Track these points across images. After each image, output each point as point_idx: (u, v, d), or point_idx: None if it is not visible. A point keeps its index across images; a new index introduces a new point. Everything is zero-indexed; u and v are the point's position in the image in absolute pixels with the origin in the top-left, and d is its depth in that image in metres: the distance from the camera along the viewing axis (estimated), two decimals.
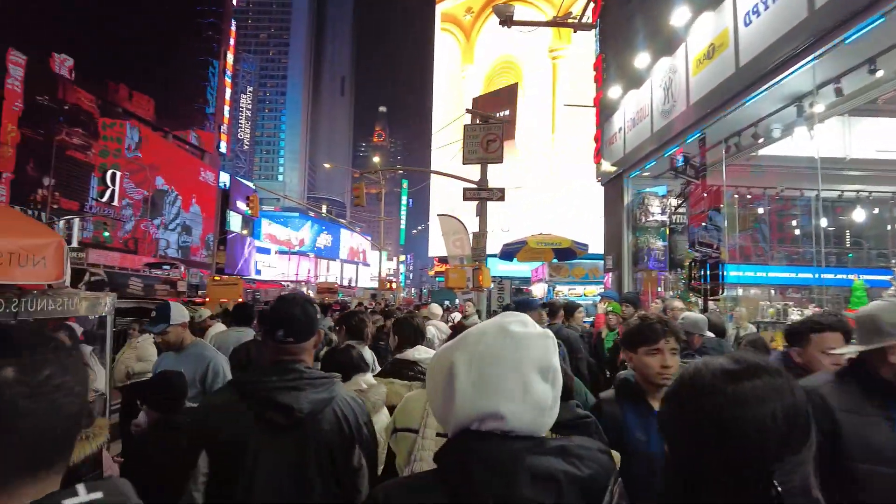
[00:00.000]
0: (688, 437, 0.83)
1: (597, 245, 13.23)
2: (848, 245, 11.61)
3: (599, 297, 9.02)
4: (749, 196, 11.05)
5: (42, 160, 28.91)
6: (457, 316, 8.14)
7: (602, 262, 12.63)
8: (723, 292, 8.08)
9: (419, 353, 3.13)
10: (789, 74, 5.81)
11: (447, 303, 19.79)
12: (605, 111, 12.09)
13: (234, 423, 1.63)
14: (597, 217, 13.80)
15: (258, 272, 53.54)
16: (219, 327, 6.77)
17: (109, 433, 4.38)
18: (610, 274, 11.47)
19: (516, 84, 28.47)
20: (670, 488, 0.88)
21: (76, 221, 24.43)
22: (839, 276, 9.94)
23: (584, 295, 15.11)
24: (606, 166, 12.04)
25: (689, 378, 0.87)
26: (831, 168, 8.79)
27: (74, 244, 24.07)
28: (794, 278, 10.93)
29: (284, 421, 1.62)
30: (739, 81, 6.52)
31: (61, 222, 24.01)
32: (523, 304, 4.76)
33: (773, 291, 10.96)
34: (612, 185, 11.81)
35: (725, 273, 8.02)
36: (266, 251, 58.54)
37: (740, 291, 10.43)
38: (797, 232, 11.74)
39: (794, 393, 0.81)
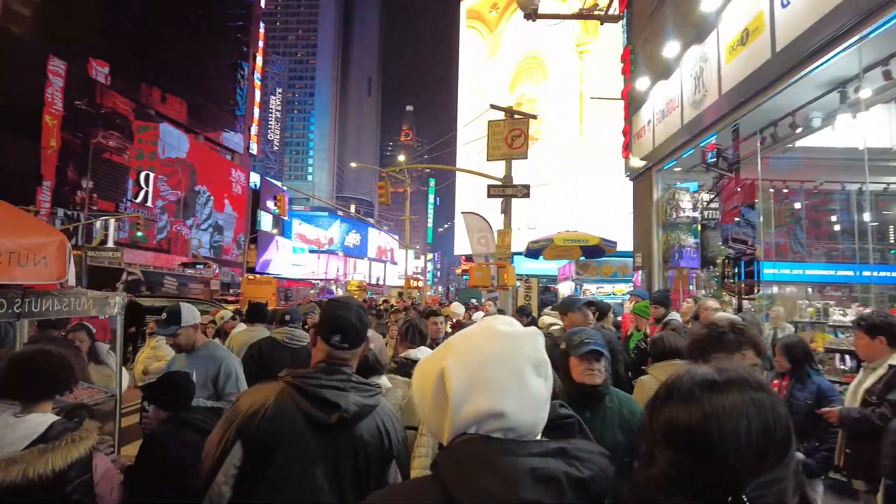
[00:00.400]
0: (662, 445, 0.81)
1: (626, 242, 12.92)
2: (893, 241, 10.99)
3: (628, 296, 8.71)
4: (786, 190, 10.56)
5: (80, 163, 29.77)
6: (479, 315, 7.92)
7: (631, 259, 12.32)
8: (758, 291, 7.69)
9: (421, 352, 3.22)
10: (832, 58, 5.41)
11: (474, 301, 19.61)
12: (633, 104, 11.77)
13: (276, 417, 1.59)
14: (626, 213, 13.45)
15: (289, 271, 54.27)
16: (242, 327, 6.75)
17: (127, 431, 4.34)
18: (639, 272, 11.18)
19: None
20: (642, 496, 0.86)
21: (111, 222, 25.01)
22: (882, 274, 9.40)
23: (613, 293, 14.80)
24: (635, 161, 11.73)
25: (668, 385, 0.85)
26: (877, 159, 8.27)
27: (110, 244, 24.74)
28: (833, 276, 10.43)
29: (329, 419, 1.59)
30: (776, 67, 6.14)
31: (98, 223, 24.67)
32: (566, 303, 4.20)
33: (810, 290, 10.46)
34: (641, 181, 11.50)
35: (760, 270, 7.63)
36: (297, 250, 59.34)
37: (775, 289, 9.98)
38: (837, 227, 11.17)
39: (775, 409, 0.80)
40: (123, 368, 5.41)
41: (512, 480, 0.84)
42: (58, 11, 30.86)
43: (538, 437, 0.95)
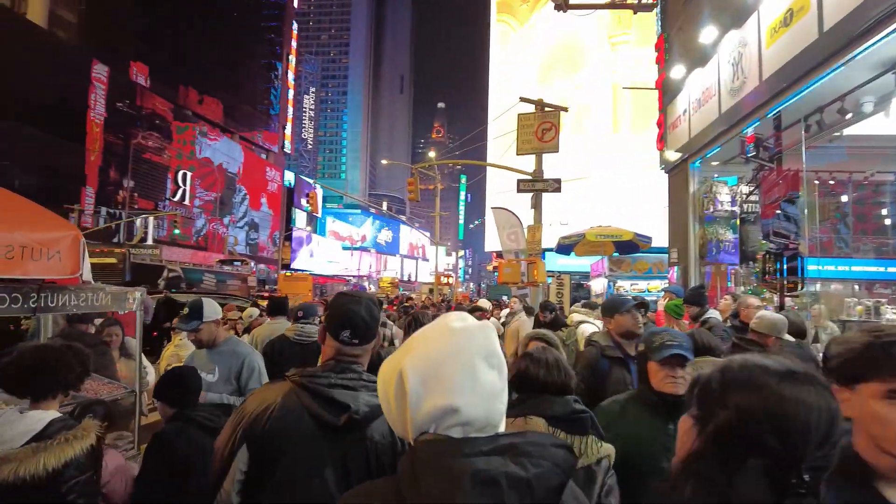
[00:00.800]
0: (730, 428, 0.85)
1: (661, 237, 12.60)
2: None
3: (662, 293, 8.39)
4: (832, 182, 10.03)
5: (121, 163, 30.74)
6: (505, 312, 7.75)
7: (666, 255, 12.02)
8: (802, 287, 7.30)
9: None
10: (886, 36, 4.99)
11: (505, 298, 19.43)
12: (667, 94, 11.43)
13: (283, 419, 1.53)
14: (661, 208, 13.06)
15: (323, 267, 55.03)
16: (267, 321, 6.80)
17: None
18: (675, 268, 10.90)
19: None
20: (697, 474, 0.89)
21: (151, 220, 25.78)
22: None
23: (648, 290, 14.42)
24: (670, 153, 11.41)
25: (735, 372, 0.89)
26: None
27: (150, 242, 25.47)
28: (883, 273, 9.91)
29: (338, 421, 1.52)
30: (823, 49, 5.75)
31: (138, 221, 25.45)
32: (613, 304, 3.40)
33: (856, 287, 9.95)
34: (677, 173, 11.18)
35: (804, 266, 7.24)
36: (330, 247, 60.13)
37: (818, 287, 9.53)
38: (887, 221, 10.58)
39: (837, 409, 0.87)
40: (150, 365, 5.46)
41: (452, 484, 0.86)
42: (101, 17, 31.92)
43: (499, 430, 0.96)
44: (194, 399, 2.67)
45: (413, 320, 3.43)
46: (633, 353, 3.10)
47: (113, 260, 20.41)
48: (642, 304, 3.80)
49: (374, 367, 2.56)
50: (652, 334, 2.19)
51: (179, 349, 5.17)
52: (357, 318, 1.67)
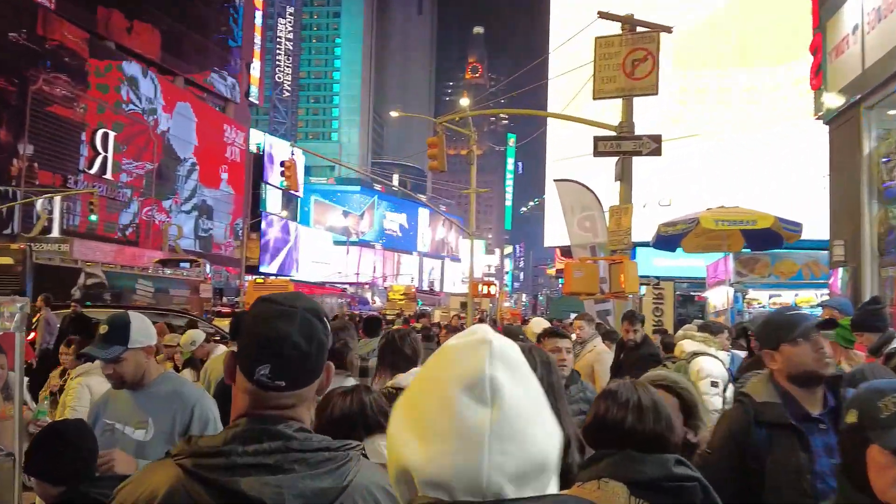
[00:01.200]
0: None
1: (818, 225, 12.31)
2: None
3: (821, 310, 8.17)
4: None
5: (16, 120, 31.46)
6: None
7: (826, 251, 11.90)
8: None
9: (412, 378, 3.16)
10: None
11: (572, 316, 19.28)
12: (827, 3, 11.41)
13: None
14: (819, 179, 12.73)
15: (307, 270, 55.65)
16: (220, 349, 6.88)
17: None
18: (839, 271, 10.81)
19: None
20: None
21: (57, 202, 26.30)
22: None
23: (796, 305, 14.09)
24: (831, 95, 11.34)
25: None
26: None
27: (55, 233, 26.07)
28: None
29: None
30: None
31: (39, 203, 26.03)
32: (777, 326, 2.98)
33: None
34: (843, 125, 11.11)
35: None
36: (317, 240, 60.84)
37: None
38: None
39: None
40: (46, 413, 5.46)
41: None
42: None
43: (506, 495, 0.92)
44: (88, 468, 2.59)
45: (387, 343, 3.60)
46: (818, 412, 2.78)
47: (8, 260, 20.99)
48: (830, 324, 3.28)
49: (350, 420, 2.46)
50: (877, 393, 1.72)
51: (67, 395, 4.98)
52: (285, 342, 1.49)
